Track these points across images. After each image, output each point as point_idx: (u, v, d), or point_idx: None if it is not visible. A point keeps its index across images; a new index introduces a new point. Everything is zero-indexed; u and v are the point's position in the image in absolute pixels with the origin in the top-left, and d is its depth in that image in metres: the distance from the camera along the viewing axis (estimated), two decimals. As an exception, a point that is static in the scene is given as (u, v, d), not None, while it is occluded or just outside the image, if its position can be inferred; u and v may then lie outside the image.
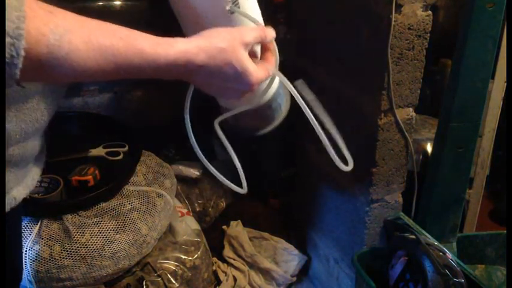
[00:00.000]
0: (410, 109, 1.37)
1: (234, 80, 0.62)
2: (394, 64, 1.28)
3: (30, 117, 0.71)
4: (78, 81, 0.66)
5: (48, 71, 0.52)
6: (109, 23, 0.57)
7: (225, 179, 0.86)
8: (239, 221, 1.90)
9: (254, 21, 0.71)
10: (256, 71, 0.64)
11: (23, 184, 0.78)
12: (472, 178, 1.77)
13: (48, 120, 0.80)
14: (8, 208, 0.73)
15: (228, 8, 0.70)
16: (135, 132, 1.69)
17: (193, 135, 0.78)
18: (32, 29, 0.49)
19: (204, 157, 0.80)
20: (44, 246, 1.35)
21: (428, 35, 1.29)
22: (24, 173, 0.78)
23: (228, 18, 0.71)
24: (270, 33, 0.69)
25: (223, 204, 2.01)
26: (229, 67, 0.61)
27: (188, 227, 1.71)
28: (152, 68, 0.57)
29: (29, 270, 1.32)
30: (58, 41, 0.51)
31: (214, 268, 1.80)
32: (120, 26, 0.57)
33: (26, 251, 1.33)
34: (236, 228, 1.88)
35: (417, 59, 1.31)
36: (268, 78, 0.70)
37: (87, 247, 1.39)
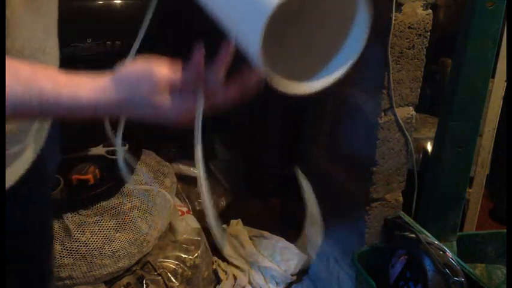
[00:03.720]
0: (411, 108, 1.37)
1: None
2: (394, 63, 1.28)
3: None
4: None
5: None
6: (17, 62, 0.54)
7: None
8: (239, 220, 1.90)
9: None
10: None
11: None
12: (472, 177, 1.77)
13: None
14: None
15: None
16: (135, 131, 1.69)
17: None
18: None
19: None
20: (44, 245, 1.36)
21: (429, 33, 1.29)
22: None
23: None
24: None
25: (223, 203, 2.01)
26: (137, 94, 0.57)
27: (188, 225, 1.71)
28: (56, 109, 0.56)
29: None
30: None
31: (214, 267, 1.80)
32: (25, 67, 0.55)
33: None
34: (236, 227, 1.88)
35: (417, 58, 1.31)
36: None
37: (87, 246, 1.39)
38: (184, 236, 1.67)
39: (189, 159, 1.98)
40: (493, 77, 1.56)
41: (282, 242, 1.84)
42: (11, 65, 0.54)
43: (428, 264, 1.25)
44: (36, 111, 0.55)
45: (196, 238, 1.69)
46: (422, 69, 1.33)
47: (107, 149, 1.59)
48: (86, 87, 0.56)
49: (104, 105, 0.56)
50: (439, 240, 1.39)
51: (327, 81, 0.64)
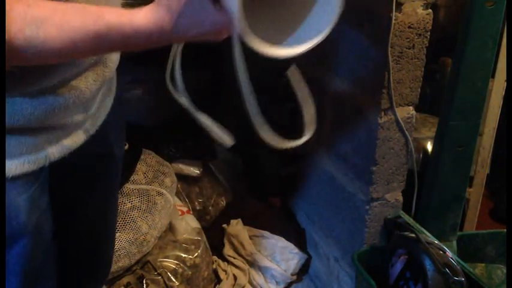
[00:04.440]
0: (411, 108, 1.37)
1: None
2: (394, 63, 1.27)
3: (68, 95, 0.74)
4: (60, 61, 0.70)
5: (27, 58, 0.59)
6: (77, 3, 0.63)
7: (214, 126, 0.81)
8: (239, 219, 1.90)
9: None
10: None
11: (61, 143, 0.79)
12: (472, 177, 1.77)
13: (97, 93, 0.82)
14: (36, 166, 0.76)
15: None
16: (135, 130, 1.69)
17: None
18: (11, 26, 0.55)
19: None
20: (44, 244, 1.36)
21: (429, 33, 1.29)
22: (61, 134, 0.79)
23: None
24: None
25: (223, 202, 2.01)
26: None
27: (188, 225, 1.71)
28: (120, 37, 0.62)
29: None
30: (35, 32, 0.57)
31: (214, 266, 1.80)
32: (88, 5, 0.62)
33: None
34: (236, 227, 1.88)
35: (417, 58, 1.31)
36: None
37: (87, 245, 1.39)
38: (184, 235, 1.67)
39: (189, 158, 1.98)
40: (493, 76, 1.56)
41: (282, 242, 1.84)
42: (76, 5, 0.62)
43: (428, 264, 1.25)
44: (105, 43, 0.63)
45: (196, 238, 1.69)
46: (423, 68, 1.33)
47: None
48: (141, 13, 0.62)
49: (157, 26, 0.62)
50: (439, 240, 1.39)
51: (299, 49, 0.66)
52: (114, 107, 0.93)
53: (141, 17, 0.61)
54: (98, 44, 0.62)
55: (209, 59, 1.98)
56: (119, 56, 0.87)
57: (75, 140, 0.82)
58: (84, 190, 0.96)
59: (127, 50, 0.67)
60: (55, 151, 0.78)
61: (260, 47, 0.61)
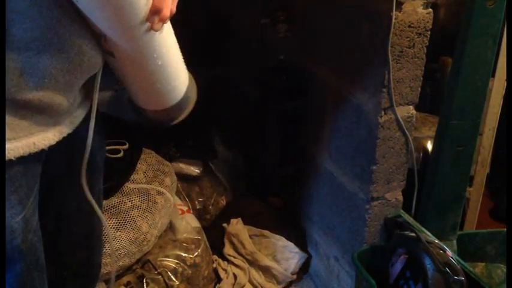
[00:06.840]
0: (411, 107, 1.37)
1: None
2: (394, 62, 1.27)
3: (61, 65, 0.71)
4: None
5: None
6: None
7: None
8: (239, 218, 1.90)
9: None
10: None
11: (45, 133, 0.77)
12: (472, 176, 1.77)
13: (90, 72, 0.79)
14: (25, 151, 0.73)
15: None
16: (136, 130, 1.68)
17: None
18: None
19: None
20: (45, 244, 1.35)
21: (429, 32, 1.29)
22: (47, 122, 0.77)
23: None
24: None
25: (223, 202, 2.01)
26: None
27: (188, 224, 1.71)
28: None
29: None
30: None
31: (214, 266, 1.80)
32: None
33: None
34: (236, 226, 1.87)
35: (418, 57, 1.31)
36: None
37: (87, 245, 1.39)
38: (185, 235, 1.67)
39: (189, 158, 1.98)
40: (493, 76, 1.56)
41: (282, 241, 1.84)
42: None
43: (428, 263, 1.25)
44: None
45: (196, 237, 1.69)
46: (423, 68, 1.33)
47: (107, 147, 1.58)
48: None
49: None
50: (439, 239, 1.39)
51: None
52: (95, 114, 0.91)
53: None
54: None
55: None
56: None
57: (60, 130, 0.80)
58: (65, 200, 0.94)
59: None
60: (44, 137, 0.76)
61: None
